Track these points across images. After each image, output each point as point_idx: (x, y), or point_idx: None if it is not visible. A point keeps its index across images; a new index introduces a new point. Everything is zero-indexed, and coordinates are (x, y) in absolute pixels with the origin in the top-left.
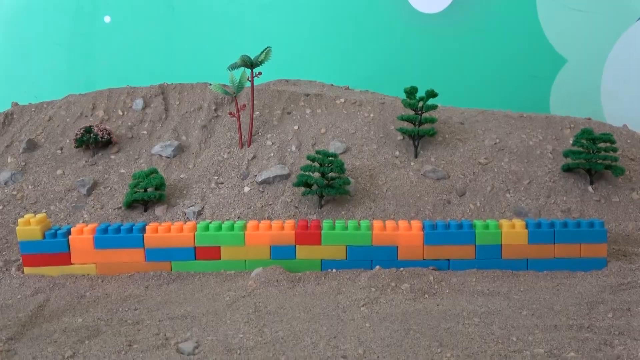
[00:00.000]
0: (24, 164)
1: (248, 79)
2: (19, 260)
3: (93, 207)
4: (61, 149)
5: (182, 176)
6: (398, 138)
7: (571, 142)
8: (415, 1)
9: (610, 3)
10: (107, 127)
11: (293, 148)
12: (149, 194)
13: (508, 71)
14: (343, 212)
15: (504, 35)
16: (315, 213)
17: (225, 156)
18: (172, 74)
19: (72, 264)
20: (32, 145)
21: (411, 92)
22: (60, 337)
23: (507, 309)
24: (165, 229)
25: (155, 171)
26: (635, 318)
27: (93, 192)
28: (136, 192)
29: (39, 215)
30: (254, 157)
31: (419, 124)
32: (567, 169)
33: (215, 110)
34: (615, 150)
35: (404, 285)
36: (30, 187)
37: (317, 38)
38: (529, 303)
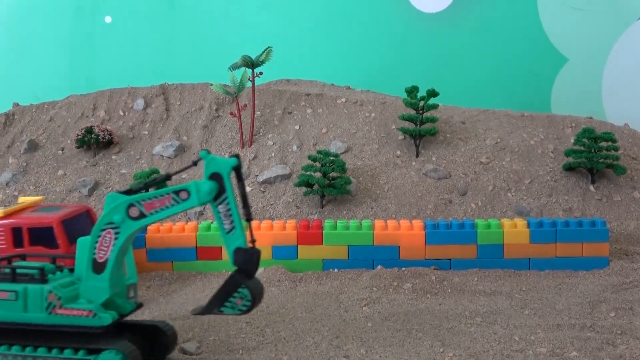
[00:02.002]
0: (25, 164)
1: (249, 79)
2: None
3: (94, 207)
4: (62, 149)
5: (183, 176)
6: (399, 137)
7: (572, 141)
8: (416, 1)
9: (611, 2)
10: (108, 127)
11: (294, 148)
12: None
13: (509, 70)
14: (344, 212)
15: (505, 35)
16: (316, 213)
17: (226, 156)
18: (173, 74)
19: None
20: (33, 146)
21: (412, 91)
22: None
23: (509, 308)
24: (167, 230)
25: (156, 171)
26: (637, 317)
27: (94, 192)
28: None
29: None
30: (255, 157)
31: (420, 123)
32: (569, 168)
33: (216, 110)
34: (616, 149)
35: (405, 285)
36: (31, 187)
37: (318, 38)
38: (531, 302)
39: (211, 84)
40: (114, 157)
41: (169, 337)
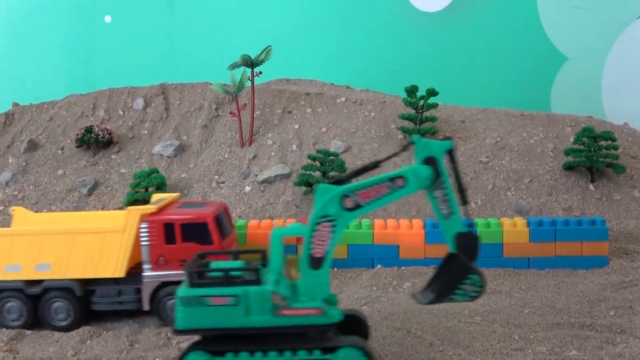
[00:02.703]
0: (25, 164)
1: (249, 78)
2: None
3: (94, 207)
4: (62, 149)
5: (183, 176)
6: (399, 137)
7: (572, 140)
8: (415, 0)
9: (611, 1)
10: (107, 127)
11: (294, 147)
12: (150, 194)
13: (509, 69)
14: None
15: (505, 34)
16: None
17: (226, 156)
18: (172, 74)
19: None
20: (33, 146)
21: (412, 90)
22: (62, 337)
23: (509, 307)
24: None
25: (156, 171)
26: (637, 316)
27: (94, 192)
28: (137, 191)
29: None
30: (254, 157)
31: (420, 122)
32: (568, 167)
33: (216, 109)
34: (616, 148)
35: (405, 284)
36: (31, 187)
37: (318, 37)
38: (531, 301)
39: (211, 84)
40: (113, 156)
41: (366, 325)
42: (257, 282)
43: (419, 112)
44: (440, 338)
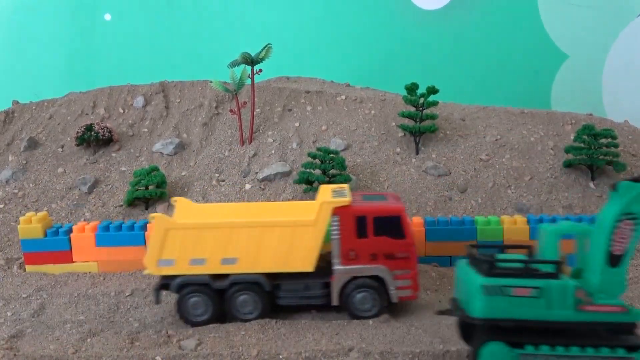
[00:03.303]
0: (25, 162)
1: (249, 76)
2: (21, 258)
3: (94, 205)
4: (62, 147)
5: (183, 174)
6: (399, 135)
7: (572, 138)
8: None
9: None
10: (108, 125)
11: (294, 145)
12: (150, 192)
13: (509, 67)
14: None
15: (505, 32)
16: None
17: (226, 153)
18: (172, 72)
19: (73, 261)
20: (33, 144)
21: (412, 88)
22: (62, 335)
23: None
24: None
25: (156, 169)
26: None
27: (94, 190)
28: (137, 189)
29: (40, 214)
30: (254, 155)
31: (420, 120)
32: (569, 165)
33: (216, 107)
34: (616, 145)
35: None
36: (31, 185)
37: (318, 35)
38: None
39: (211, 81)
40: (113, 154)
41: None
42: (556, 275)
43: (419, 110)
44: (440, 336)
